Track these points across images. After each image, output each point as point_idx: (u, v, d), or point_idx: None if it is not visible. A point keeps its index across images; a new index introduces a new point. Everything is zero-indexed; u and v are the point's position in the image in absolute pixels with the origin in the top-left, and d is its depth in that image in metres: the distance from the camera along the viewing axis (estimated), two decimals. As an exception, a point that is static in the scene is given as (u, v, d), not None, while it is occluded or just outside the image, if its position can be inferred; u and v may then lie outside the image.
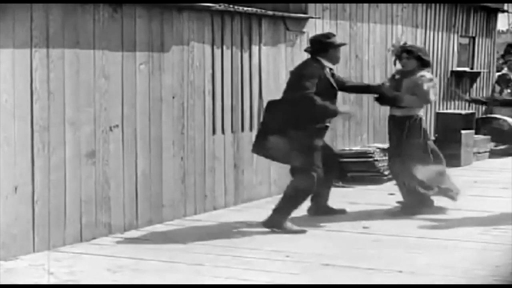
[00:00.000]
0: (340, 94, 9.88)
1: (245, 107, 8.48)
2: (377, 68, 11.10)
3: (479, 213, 7.99)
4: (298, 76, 7.23)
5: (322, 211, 7.72)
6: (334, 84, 7.33)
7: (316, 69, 7.22)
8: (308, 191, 7.20)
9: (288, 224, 7.05)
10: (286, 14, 9.06)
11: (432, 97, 8.04)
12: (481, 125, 12.96)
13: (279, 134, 7.05)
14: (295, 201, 7.13)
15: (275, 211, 7.09)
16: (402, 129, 7.89)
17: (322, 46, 7.35)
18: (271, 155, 7.32)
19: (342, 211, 7.85)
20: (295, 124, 7.02)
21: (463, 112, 12.60)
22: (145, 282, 5.45)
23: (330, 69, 7.36)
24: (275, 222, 7.04)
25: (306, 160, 7.06)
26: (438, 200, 8.09)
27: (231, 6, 8.12)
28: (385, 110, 11.30)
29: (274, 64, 8.95)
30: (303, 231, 7.03)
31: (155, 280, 5.47)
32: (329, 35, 7.56)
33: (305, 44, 9.44)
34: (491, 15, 14.66)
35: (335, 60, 7.49)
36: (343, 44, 7.79)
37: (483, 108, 14.47)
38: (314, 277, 5.60)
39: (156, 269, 5.78)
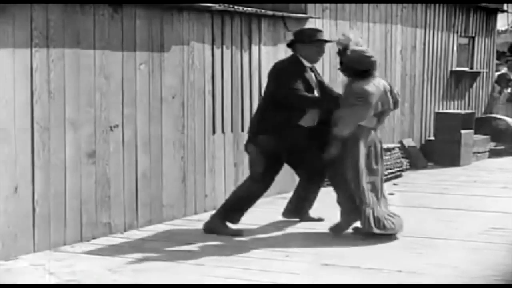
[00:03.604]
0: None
1: (245, 107, 8.48)
2: (377, 68, 11.08)
3: (479, 213, 8.00)
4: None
5: (300, 216, 7.43)
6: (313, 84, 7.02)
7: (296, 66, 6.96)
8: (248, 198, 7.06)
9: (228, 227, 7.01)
10: (286, 14, 9.06)
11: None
12: (481, 124, 12.97)
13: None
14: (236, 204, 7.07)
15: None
16: None
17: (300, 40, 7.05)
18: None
19: (320, 219, 7.41)
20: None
21: (462, 111, 12.61)
22: (145, 282, 5.45)
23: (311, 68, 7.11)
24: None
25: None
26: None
27: (231, 6, 8.12)
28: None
29: (274, 64, 8.95)
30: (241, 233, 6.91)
31: (156, 280, 5.47)
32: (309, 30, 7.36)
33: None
34: (491, 15, 14.66)
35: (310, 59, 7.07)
36: (325, 41, 7.19)
37: (483, 108, 14.50)
38: (314, 277, 5.60)
39: (156, 269, 5.78)
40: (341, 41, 6.94)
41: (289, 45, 7.20)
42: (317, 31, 7.26)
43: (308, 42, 7.03)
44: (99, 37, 6.72)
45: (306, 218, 7.40)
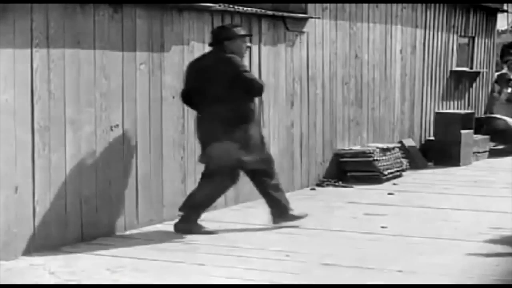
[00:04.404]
0: (339, 93, 9.93)
1: (245, 107, 8.47)
2: (377, 68, 11.11)
3: (479, 213, 8.00)
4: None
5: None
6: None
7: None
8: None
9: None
10: (286, 14, 9.07)
11: None
12: (481, 124, 12.98)
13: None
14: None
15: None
16: None
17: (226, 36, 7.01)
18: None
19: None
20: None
21: (462, 111, 12.62)
22: (145, 282, 5.45)
23: None
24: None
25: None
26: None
27: (231, 6, 8.13)
28: (385, 110, 11.33)
29: (274, 64, 8.95)
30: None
31: (155, 280, 5.47)
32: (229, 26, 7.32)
33: (305, 44, 9.47)
34: (491, 15, 14.66)
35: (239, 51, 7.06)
36: (248, 35, 7.58)
37: (483, 108, 14.50)
38: (314, 277, 5.60)
39: (156, 269, 5.79)
40: None
41: (212, 44, 7.13)
42: (238, 26, 7.35)
43: (236, 37, 7.03)
44: (99, 37, 6.72)
45: (290, 217, 7.26)
